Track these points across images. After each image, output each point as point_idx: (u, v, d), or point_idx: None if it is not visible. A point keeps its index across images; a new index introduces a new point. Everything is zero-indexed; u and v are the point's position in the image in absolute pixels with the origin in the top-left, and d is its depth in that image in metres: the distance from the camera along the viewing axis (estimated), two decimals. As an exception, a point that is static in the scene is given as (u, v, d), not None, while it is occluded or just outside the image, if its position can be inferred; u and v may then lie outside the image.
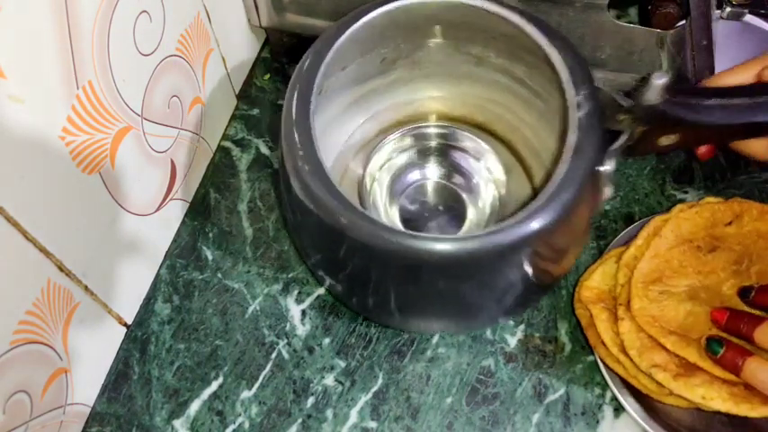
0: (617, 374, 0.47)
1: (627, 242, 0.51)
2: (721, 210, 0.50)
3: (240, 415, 0.50)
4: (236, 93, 0.65)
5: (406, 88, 0.56)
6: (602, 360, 0.48)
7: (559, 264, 0.45)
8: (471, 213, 0.54)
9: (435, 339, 0.52)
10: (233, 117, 0.64)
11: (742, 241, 0.49)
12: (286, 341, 0.53)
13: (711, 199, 0.51)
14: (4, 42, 0.34)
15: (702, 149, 0.51)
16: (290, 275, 0.55)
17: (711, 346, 0.43)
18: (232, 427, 0.49)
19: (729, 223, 0.49)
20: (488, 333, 0.52)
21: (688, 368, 0.44)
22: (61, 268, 0.43)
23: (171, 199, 0.55)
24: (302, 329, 0.53)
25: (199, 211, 0.59)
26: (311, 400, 0.50)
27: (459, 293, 0.42)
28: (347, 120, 0.55)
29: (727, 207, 0.50)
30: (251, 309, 0.54)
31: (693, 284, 0.48)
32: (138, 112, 0.47)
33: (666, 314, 0.46)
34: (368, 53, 0.50)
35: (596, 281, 0.50)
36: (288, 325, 0.53)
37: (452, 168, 0.56)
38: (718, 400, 0.42)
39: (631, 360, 0.45)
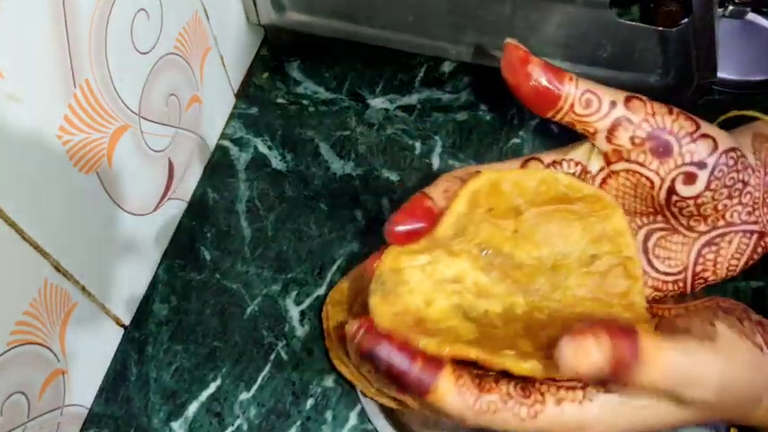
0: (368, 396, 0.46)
1: None
2: None
3: (238, 417, 0.49)
4: (235, 91, 0.65)
5: None
6: (336, 367, 0.47)
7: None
8: None
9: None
10: (231, 116, 0.64)
11: None
12: (285, 342, 0.52)
13: None
14: (2, 42, 0.34)
15: None
16: (289, 276, 0.55)
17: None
18: (230, 428, 0.49)
19: None
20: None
21: None
22: (58, 268, 0.43)
23: (169, 198, 0.55)
24: (301, 330, 0.53)
25: (197, 210, 0.58)
26: (310, 402, 0.50)
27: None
28: None
29: None
30: (249, 309, 0.54)
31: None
32: (135, 111, 0.47)
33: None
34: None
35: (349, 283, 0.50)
36: (287, 326, 0.53)
37: None
38: None
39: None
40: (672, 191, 0.29)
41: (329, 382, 0.50)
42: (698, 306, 0.29)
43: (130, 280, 0.52)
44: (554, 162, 0.30)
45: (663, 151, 0.28)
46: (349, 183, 0.60)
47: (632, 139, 0.28)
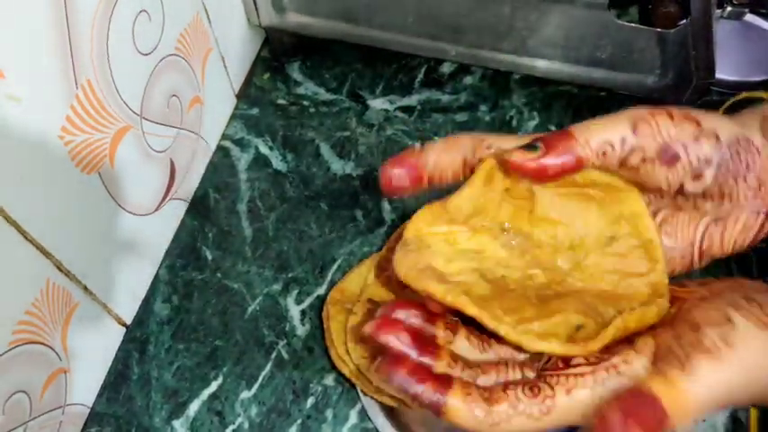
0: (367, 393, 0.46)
1: None
2: None
3: (240, 415, 0.50)
4: (236, 92, 0.65)
5: None
6: (336, 366, 0.48)
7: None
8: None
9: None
10: (232, 116, 0.64)
11: None
12: (285, 341, 0.52)
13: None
14: (3, 42, 0.34)
15: None
16: (289, 275, 0.55)
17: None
18: (231, 427, 0.49)
19: None
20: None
21: None
22: (60, 268, 0.43)
23: (170, 199, 0.55)
24: (302, 329, 0.53)
25: (198, 210, 0.59)
26: (311, 401, 0.50)
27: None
28: None
29: None
30: (250, 309, 0.54)
31: None
32: (137, 112, 0.47)
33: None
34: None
35: (349, 282, 0.50)
36: (287, 325, 0.53)
37: None
38: None
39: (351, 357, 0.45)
40: (680, 190, 0.30)
41: (330, 380, 0.51)
42: (722, 288, 0.29)
43: (132, 280, 0.53)
44: None
45: (671, 159, 0.29)
46: (349, 183, 0.60)
47: (643, 159, 0.29)
